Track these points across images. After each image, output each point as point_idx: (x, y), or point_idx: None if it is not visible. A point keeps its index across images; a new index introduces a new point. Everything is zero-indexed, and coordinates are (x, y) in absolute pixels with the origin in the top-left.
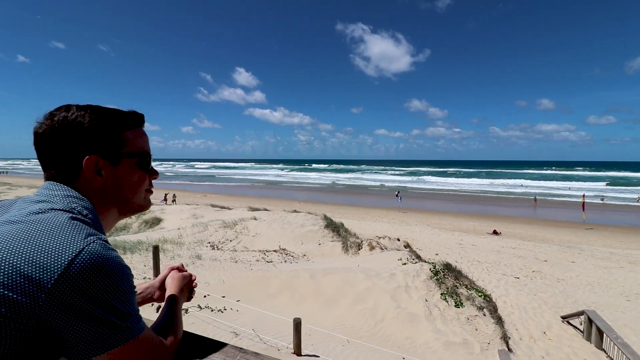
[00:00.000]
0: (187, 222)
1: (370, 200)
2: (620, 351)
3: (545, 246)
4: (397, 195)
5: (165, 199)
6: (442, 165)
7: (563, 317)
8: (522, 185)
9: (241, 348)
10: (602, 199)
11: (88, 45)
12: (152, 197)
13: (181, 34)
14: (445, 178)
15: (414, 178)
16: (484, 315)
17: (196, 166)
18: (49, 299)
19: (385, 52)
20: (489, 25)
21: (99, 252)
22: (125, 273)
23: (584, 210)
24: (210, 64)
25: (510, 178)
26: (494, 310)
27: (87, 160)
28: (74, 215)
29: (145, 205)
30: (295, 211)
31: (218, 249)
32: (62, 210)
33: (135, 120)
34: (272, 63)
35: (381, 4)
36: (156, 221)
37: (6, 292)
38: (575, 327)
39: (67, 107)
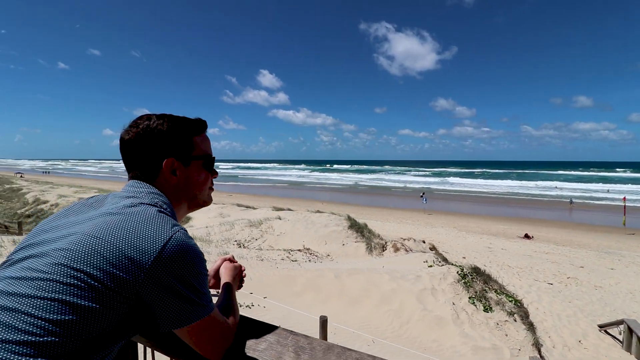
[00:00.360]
0: (215, 220)
1: (393, 201)
2: None
3: (582, 252)
4: (422, 197)
5: None
6: (470, 165)
7: (600, 326)
8: (556, 187)
9: (292, 331)
10: None
11: (122, 52)
12: None
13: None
14: (473, 179)
15: (440, 179)
16: (515, 320)
17: (220, 167)
18: (146, 277)
19: (409, 51)
20: (520, 18)
21: (183, 239)
22: (201, 258)
23: (625, 214)
24: (235, 67)
25: (544, 179)
26: (525, 316)
27: (167, 162)
28: (159, 209)
29: (208, 201)
30: (318, 211)
31: (244, 247)
32: (148, 204)
33: (201, 126)
34: (295, 64)
35: (405, 2)
36: (185, 219)
37: (115, 271)
38: (613, 336)
39: (149, 117)
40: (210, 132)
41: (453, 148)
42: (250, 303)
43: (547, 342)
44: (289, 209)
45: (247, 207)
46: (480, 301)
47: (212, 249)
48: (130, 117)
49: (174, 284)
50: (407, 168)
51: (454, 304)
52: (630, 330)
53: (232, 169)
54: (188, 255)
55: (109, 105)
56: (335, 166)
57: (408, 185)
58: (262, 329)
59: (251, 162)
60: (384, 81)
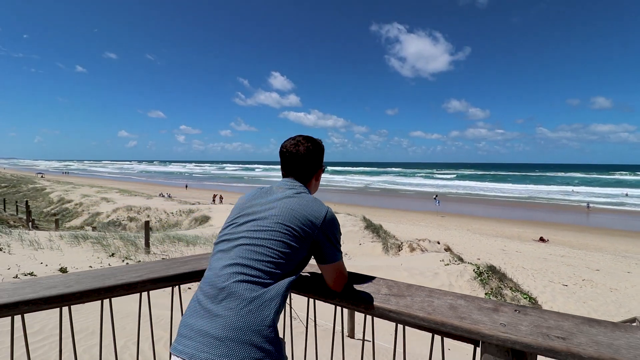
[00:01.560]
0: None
1: (406, 203)
2: None
3: (598, 255)
4: (435, 199)
5: (214, 200)
6: (483, 168)
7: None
8: (572, 191)
9: (384, 278)
10: None
11: (137, 55)
12: (201, 198)
13: (220, 41)
14: (486, 182)
15: (453, 182)
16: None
17: (228, 168)
18: (318, 231)
19: (421, 52)
20: (536, 18)
21: (331, 211)
22: (339, 224)
23: None
24: (247, 69)
25: (560, 182)
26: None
27: (320, 170)
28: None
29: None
30: (336, 212)
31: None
32: (304, 192)
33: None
34: (306, 66)
35: (417, 3)
36: (205, 219)
37: (304, 227)
38: None
39: (307, 138)
40: (222, 133)
41: (466, 150)
42: None
43: None
44: None
45: None
46: (496, 297)
47: None
48: (144, 118)
49: (329, 236)
50: (418, 170)
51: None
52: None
53: (242, 170)
54: (335, 221)
55: (124, 107)
56: (347, 168)
57: (420, 187)
58: (363, 278)
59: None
60: (396, 83)
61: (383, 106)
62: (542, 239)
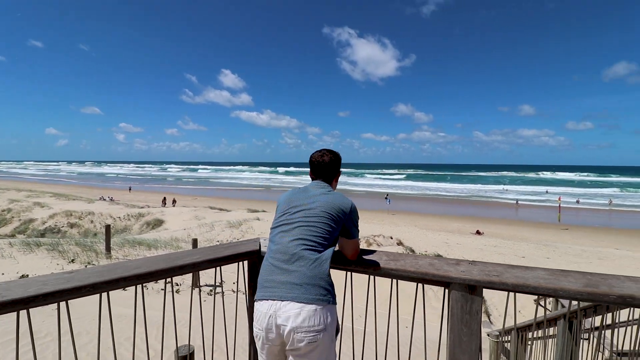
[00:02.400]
0: (191, 223)
1: (359, 202)
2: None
3: (524, 244)
4: (386, 198)
5: (164, 203)
6: (428, 168)
7: (535, 300)
8: (503, 189)
9: (382, 250)
10: (578, 202)
11: (68, 45)
12: (149, 201)
13: (165, 35)
14: (431, 182)
15: (402, 182)
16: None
17: (170, 169)
18: (347, 217)
19: (371, 57)
20: (473, 32)
21: (354, 204)
22: (358, 212)
23: (560, 212)
24: (195, 65)
25: (493, 181)
26: None
27: (339, 174)
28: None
29: None
30: None
31: None
32: (332, 190)
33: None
34: (258, 65)
35: (367, 9)
36: (158, 223)
37: (339, 214)
38: (543, 306)
39: (330, 151)
40: (168, 132)
41: (412, 151)
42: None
43: (494, 312)
44: (264, 211)
45: (221, 209)
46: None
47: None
48: (77, 115)
49: (354, 220)
50: (369, 171)
51: (394, 295)
52: (556, 301)
53: (184, 171)
54: (357, 210)
55: (53, 102)
56: (301, 169)
57: (371, 188)
58: (367, 251)
59: (215, 165)
60: (347, 85)
61: (335, 108)
62: (478, 232)
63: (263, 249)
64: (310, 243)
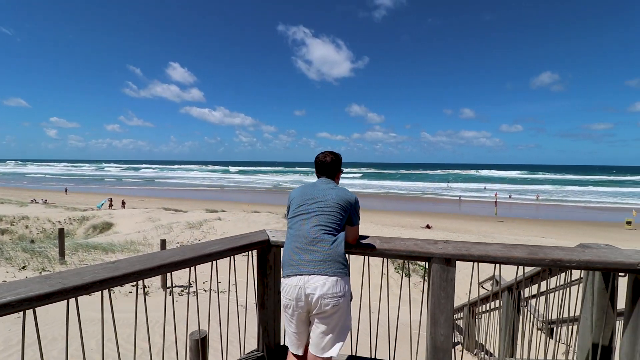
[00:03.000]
0: (145, 225)
1: None
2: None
3: (467, 236)
4: None
5: (111, 205)
6: (381, 167)
7: (479, 282)
8: (448, 186)
9: (378, 236)
10: (510, 197)
11: None
12: (90, 203)
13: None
14: (384, 180)
15: (358, 180)
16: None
17: (106, 168)
18: (352, 207)
19: (326, 57)
20: (420, 38)
21: (356, 197)
22: (359, 204)
23: (496, 206)
24: (139, 56)
25: (439, 179)
26: None
27: (340, 172)
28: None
29: None
30: (255, 212)
31: None
32: (338, 185)
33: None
34: (210, 60)
35: (321, 9)
36: (107, 226)
37: (346, 204)
38: (485, 288)
39: (332, 152)
40: (109, 128)
41: (366, 151)
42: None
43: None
44: (223, 211)
45: (176, 210)
46: (402, 270)
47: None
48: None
49: (357, 210)
50: None
51: (384, 273)
52: (496, 283)
53: (124, 170)
54: (358, 202)
55: None
56: (256, 168)
57: None
58: (363, 237)
59: (161, 164)
60: (303, 84)
61: (291, 107)
62: (428, 226)
63: (272, 238)
64: (327, 228)
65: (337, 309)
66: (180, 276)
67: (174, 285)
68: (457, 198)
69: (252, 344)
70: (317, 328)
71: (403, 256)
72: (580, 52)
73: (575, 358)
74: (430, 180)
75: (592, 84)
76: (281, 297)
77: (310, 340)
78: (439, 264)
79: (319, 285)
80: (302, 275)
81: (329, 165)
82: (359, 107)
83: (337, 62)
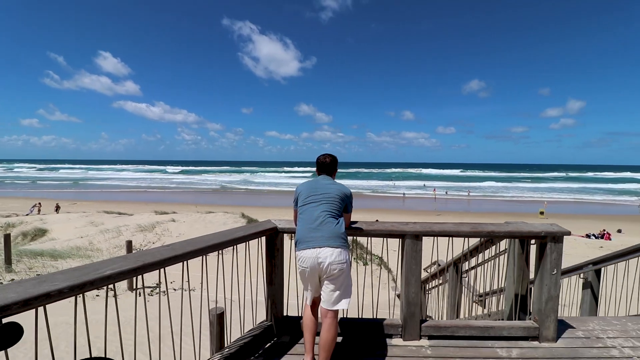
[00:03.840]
0: (87, 230)
1: (267, 200)
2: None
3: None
4: None
5: (39, 210)
6: None
7: (424, 269)
8: (393, 184)
9: (364, 221)
10: (446, 193)
11: None
12: (8, 209)
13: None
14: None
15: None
16: (381, 268)
17: (17, 168)
18: (347, 197)
19: (274, 55)
20: (365, 42)
21: (350, 190)
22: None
23: (435, 200)
24: (62, 42)
25: (384, 178)
26: (385, 266)
27: (336, 170)
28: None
29: None
30: (210, 212)
31: None
32: (336, 181)
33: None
34: (147, 51)
35: (268, 7)
36: (40, 232)
37: (343, 196)
38: (428, 272)
39: (330, 155)
40: (26, 123)
41: (315, 150)
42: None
43: (398, 280)
44: (174, 212)
45: (120, 213)
46: (361, 259)
47: (105, 257)
48: None
49: (351, 200)
50: (275, 168)
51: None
52: (439, 265)
53: (41, 171)
54: (352, 194)
55: None
56: (201, 167)
57: (278, 187)
58: (353, 222)
59: (90, 163)
60: (251, 82)
61: (238, 104)
62: (377, 222)
63: (279, 226)
64: (331, 213)
65: (341, 272)
66: (194, 263)
67: (139, 287)
68: (402, 195)
69: (262, 315)
70: (327, 287)
71: (384, 234)
72: (503, 63)
73: (504, 306)
74: (376, 178)
75: (512, 92)
76: (298, 266)
77: (322, 298)
78: (411, 239)
79: (328, 255)
80: (315, 248)
81: (328, 165)
82: (307, 106)
83: (285, 61)
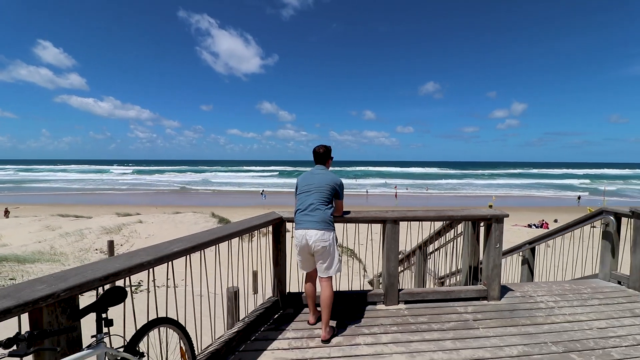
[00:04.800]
0: (44, 234)
1: (233, 200)
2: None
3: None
4: (262, 194)
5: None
6: (294, 165)
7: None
8: (356, 182)
9: (354, 210)
10: (407, 189)
11: None
12: None
13: None
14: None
15: (274, 179)
16: (353, 259)
17: None
18: (338, 185)
19: (234, 51)
20: (326, 41)
21: (340, 179)
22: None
23: (396, 197)
24: None
25: (347, 176)
26: (356, 257)
27: (330, 160)
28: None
29: None
30: (178, 212)
31: (112, 254)
32: (329, 171)
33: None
34: (93, 42)
35: (227, 0)
36: None
37: (334, 185)
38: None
39: (324, 145)
40: None
41: (279, 149)
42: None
43: (369, 268)
44: (137, 213)
45: (77, 216)
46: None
47: (71, 262)
48: None
49: (342, 188)
50: (238, 167)
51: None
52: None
53: None
54: (342, 183)
55: None
56: (159, 167)
57: (243, 187)
58: (345, 212)
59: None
60: (209, 78)
61: (197, 101)
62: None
63: (284, 215)
64: (321, 200)
65: (325, 249)
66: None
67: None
68: (365, 192)
69: (268, 293)
70: (317, 261)
71: (368, 220)
72: (455, 65)
73: (460, 278)
74: (339, 176)
75: (464, 94)
76: (294, 241)
77: (317, 270)
78: (391, 224)
79: (313, 235)
80: (305, 229)
81: (321, 155)
82: (270, 104)
83: (246, 57)
